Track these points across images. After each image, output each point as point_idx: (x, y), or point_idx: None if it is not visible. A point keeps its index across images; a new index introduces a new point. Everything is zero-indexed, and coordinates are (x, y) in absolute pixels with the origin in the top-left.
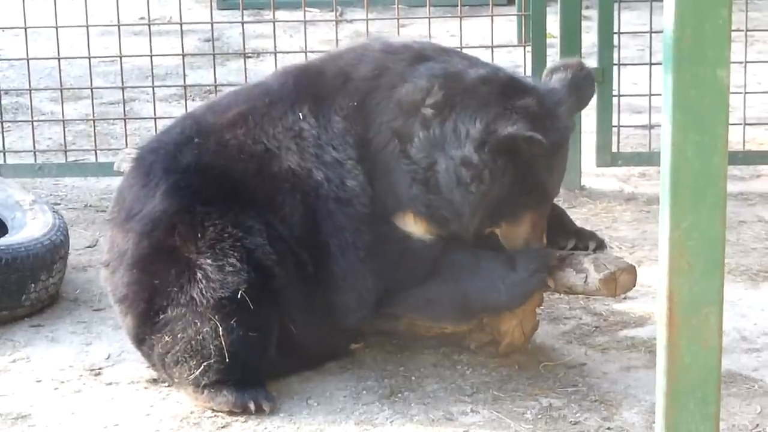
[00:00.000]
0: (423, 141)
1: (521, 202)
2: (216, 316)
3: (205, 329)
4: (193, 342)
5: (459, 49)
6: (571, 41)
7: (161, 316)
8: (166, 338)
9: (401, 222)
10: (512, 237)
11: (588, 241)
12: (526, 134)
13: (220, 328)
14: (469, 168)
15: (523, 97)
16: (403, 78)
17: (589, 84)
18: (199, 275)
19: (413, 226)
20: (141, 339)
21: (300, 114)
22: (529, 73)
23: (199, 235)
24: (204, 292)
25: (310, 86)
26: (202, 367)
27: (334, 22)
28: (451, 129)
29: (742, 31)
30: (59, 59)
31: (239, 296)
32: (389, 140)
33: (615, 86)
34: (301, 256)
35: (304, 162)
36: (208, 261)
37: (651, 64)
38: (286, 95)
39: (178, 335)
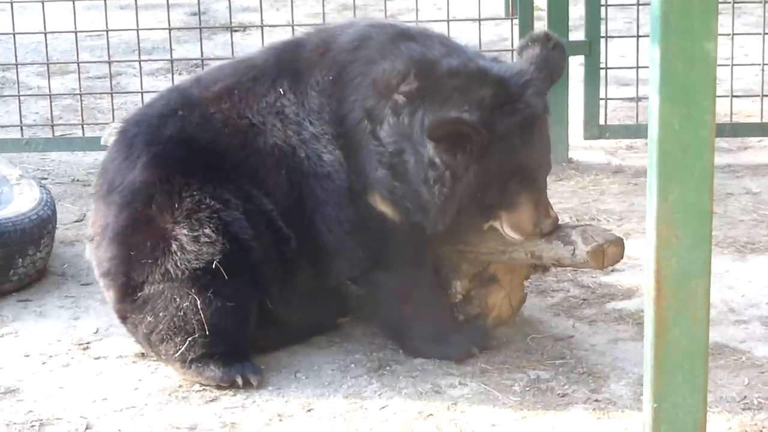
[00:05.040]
0: (392, 126)
1: (509, 189)
2: (192, 289)
3: (185, 304)
4: (175, 319)
5: (446, 31)
6: (558, 14)
7: (139, 293)
8: (149, 318)
9: (373, 201)
10: (518, 223)
11: None
12: (452, 117)
13: (198, 301)
14: (434, 169)
15: (482, 88)
16: (382, 53)
17: (558, 55)
18: (174, 246)
19: (383, 207)
20: (124, 316)
21: (281, 90)
22: (516, 46)
23: (176, 205)
24: (179, 263)
25: (290, 61)
26: (187, 342)
27: None
28: (419, 123)
29: (729, 3)
30: (45, 33)
31: (214, 267)
32: (361, 118)
33: (602, 59)
34: (282, 231)
35: (288, 139)
36: (184, 231)
37: (638, 36)
38: (268, 71)
39: (160, 314)
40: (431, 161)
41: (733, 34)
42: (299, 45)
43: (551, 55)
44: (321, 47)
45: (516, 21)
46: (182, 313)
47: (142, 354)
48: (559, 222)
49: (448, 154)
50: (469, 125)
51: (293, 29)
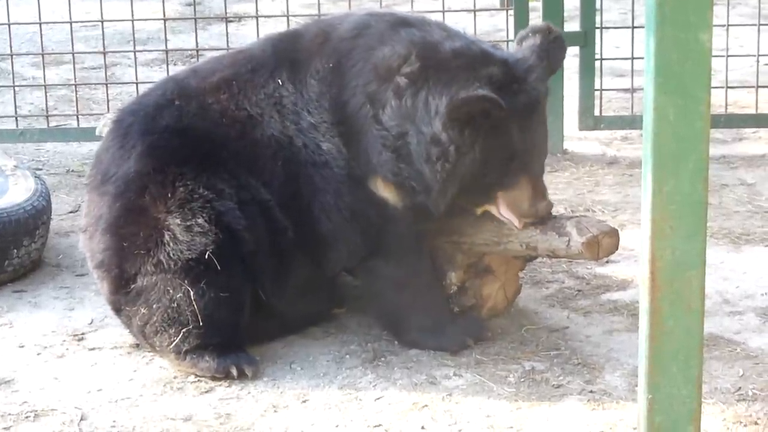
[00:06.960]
0: (395, 109)
1: (509, 169)
2: (186, 280)
3: (178, 296)
4: (169, 311)
5: (442, 20)
6: (553, 5)
7: (133, 285)
8: (143, 310)
9: (374, 186)
10: (515, 204)
11: None
12: (478, 94)
13: (192, 292)
14: (437, 145)
15: (489, 67)
16: (381, 39)
17: (558, 47)
18: (166, 237)
19: (385, 192)
20: (118, 308)
21: (279, 80)
22: (511, 37)
23: (170, 195)
24: (171, 254)
25: (289, 51)
26: (182, 334)
27: None
28: (423, 103)
29: None
30: (40, 24)
31: (206, 257)
32: (363, 104)
33: (597, 50)
34: (280, 222)
35: (285, 130)
36: (177, 221)
37: (633, 27)
38: (266, 62)
39: (153, 306)
40: (435, 138)
41: (729, 25)
42: (298, 35)
43: (552, 47)
44: (320, 37)
45: (511, 12)
46: (176, 305)
47: (137, 345)
48: (554, 213)
49: (455, 130)
50: (490, 101)
51: (288, 19)
